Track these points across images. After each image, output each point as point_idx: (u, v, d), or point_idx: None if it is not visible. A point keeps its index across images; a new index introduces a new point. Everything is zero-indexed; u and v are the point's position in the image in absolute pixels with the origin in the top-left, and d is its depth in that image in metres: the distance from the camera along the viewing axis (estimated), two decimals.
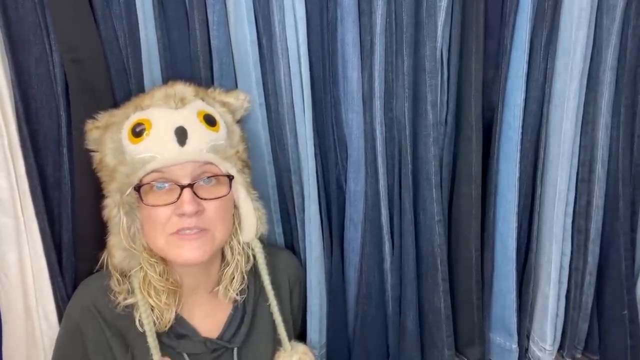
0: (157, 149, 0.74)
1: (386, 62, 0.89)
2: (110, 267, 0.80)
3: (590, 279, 1.00)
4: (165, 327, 0.81)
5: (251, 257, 0.87)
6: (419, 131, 0.92)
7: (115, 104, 0.85)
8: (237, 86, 0.91)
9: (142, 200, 0.75)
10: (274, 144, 0.94)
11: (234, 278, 0.85)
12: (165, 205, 0.74)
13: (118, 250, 0.77)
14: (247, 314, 0.87)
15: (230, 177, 0.79)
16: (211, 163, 0.77)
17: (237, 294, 0.85)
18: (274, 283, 0.88)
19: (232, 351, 0.86)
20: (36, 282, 0.86)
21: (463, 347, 1.03)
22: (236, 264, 0.84)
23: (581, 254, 0.99)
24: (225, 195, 0.79)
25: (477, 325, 1.00)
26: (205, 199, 0.76)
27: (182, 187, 0.74)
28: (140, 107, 0.78)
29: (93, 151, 0.81)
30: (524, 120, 0.91)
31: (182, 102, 0.77)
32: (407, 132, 0.90)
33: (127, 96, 0.85)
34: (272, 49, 0.88)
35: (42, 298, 0.87)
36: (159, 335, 0.81)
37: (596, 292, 1.01)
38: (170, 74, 0.87)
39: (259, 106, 0.91)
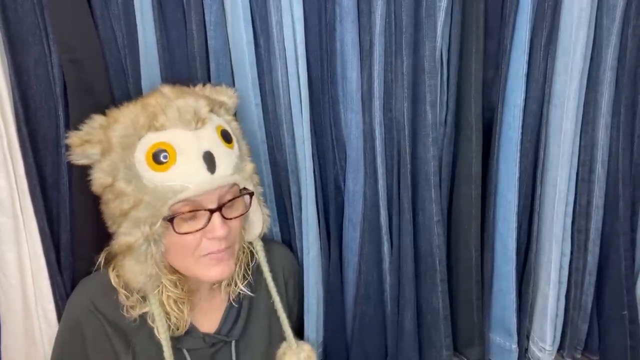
0: (187, 178, 0.72)
1: (385, 62, 0.89)
2: (115, 284, 0.79)
3: (590, 279, 1.00)
4: (182, 332, 0.82)
5: (254, 255, 0.88)
6: (418, 131, 0.92)
7: (114, 104, 0.84)
8: (233, 86, 0.91)
9: (174, 230, 0.73)
10: (270, 144, 0.94)
11: (238, 277, 0.86)
12: (197, 231, 0.74)
13: (141, 275, 0.75)
14: (243, 308, 0.88)
15: (251, 194, 0.80)
16: (235, 184, 0.78)
17: (233, 294, 0.87)
18: (273, 279, 0.89)
19: (230, 344, 0.87)
20: (35, 281, 0.86)
21: (463, 347, 1.03)
22: (240, 263, 0.86)
23: (581, 254, 0.99)
24: (247, 211, 0.80)
25: (476, 326, 1.00)
26: (231, 219, 0.76)
27: (212, 212, 0.74)
28: (154, 127, 0.73)
29: (88, 167, 0.77)
30: (524, 120, 0.91)
31: (199, 120, 0.74)
32: (406, 133, 0.90)
33: (126, 96, 0.85)
34: (270, 50, 0.88)
35: (41, 297, 0.87)
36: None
37: (596, 292, 1.01)
38: (169, 75, 0.87)
39: (255, 106, 0.91)
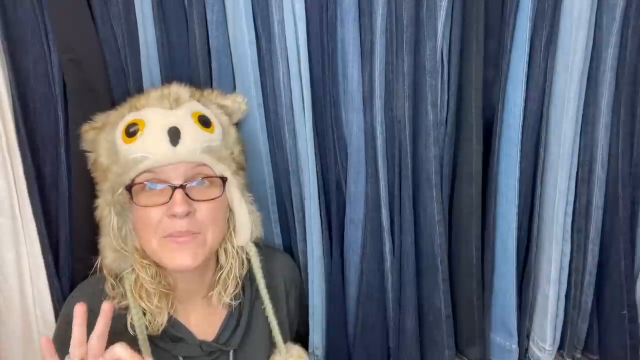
0: (149, 149, 0.73)
1: (386, 61, 0.88)
2: (104, 270, 0.79)
3: (590, 278, 1.00)
4: (158, 330, 0.80)
5: (245, 262, 0.85)
6: (419, 131, 0.92)
7: (113, 105, 0.84)
8: (235, 86, 0.91)
9: (132, 200, 0.74)
10: (272, 145, 0.94)
11: (228, 283, 0.83)
12: (157, 205, 0.74)
13: (109, 251, 0.77)
14: (243, 317, 0.87)
15: (223, 179, 0.78)
16: (205, 164, 0.77)
17: (231, 299, 0.84)
18: (269, 286, 0.87)
19: (228, 354, 0.85)
20: (34, 282, 0.86)
21: (463, 347, 1.03)
22: (230, 268, 0.83)
23: (581, 254, 0.99)
24: (217, 197, 0.78)
25: (477, 325, 1.00)
26: (197, 201, 0.75)
27: (174, 188, 0.73)
28: (135, 108, 0.78)
29: (88, 152, 0.81)
30: (524, 120, 0.91)
31: (176, 102, 0.77)
32: (408, 132, 0.90)
33: (125, 96, 0.85)
34: (271, 49, 0.88)
35: (39, 298, 0.87)
36: (154, 339, 0.80)
37: (596, 292, 1.01)
38: (169, 74, 0.87)
39: (257, 107, 0.91)
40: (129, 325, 0.79)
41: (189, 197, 0.74)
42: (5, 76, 0.80)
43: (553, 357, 1.03)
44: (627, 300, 0.99)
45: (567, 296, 1.01)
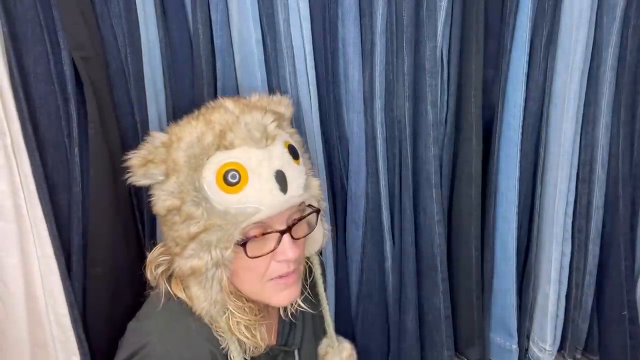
0: (260, 200, 0.67)
1: (386, 62, 0.89)
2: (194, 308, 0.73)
3: (590, 279, 1.00)
4: (258, 354, 0.77)
5: (312, 270, 0.84)
6: (419, 131, 0.92)
7: (114, 105, 0.84)
8: (237, 87, 0.91)
9: (247, 254, 0.69)
10: None
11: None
12: (267, 254, 0.71)
13: (204, 302, 0.70)
14: (297, 316, 0.85)
15: (317, 212, 0.76)
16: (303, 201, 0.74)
17: (293, 308, 0.82)
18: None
19: (293, 353, 0.84)
20: (45, 285, 0.83)
21: (463, 347, 1.03)
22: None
23: (581, 254, 0.99)
24: (314, 229, 0.76)
25: (477, 325, 1.00)
26: (299, 239, 0.73)
27: (282, 233, 0.70)
28: (223, 146, 0.68)
29: (151, 192, 0.72)
30: (524, 120, 0.92)
31: (268, 135, 0.69)
32: (408, 132, 0.90)
33: (126, 96, 0.85)
34: (277, 48, 0.88)
35: (53, 302, 0.83)
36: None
37: (596, 292, 1.01)
38: (172, 75, 0.87)
39: None
40: (230, 357, 0.74)
41: (292, 237, 0.72)
42: (9, 74, 0.78)
43: (553, 357, 1.03)
44: (627, 301, 0.99)
45: (567, 296, 1.01)
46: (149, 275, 0.76)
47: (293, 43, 0.86)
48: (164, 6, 0.85)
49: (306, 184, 0.72)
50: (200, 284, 0.69)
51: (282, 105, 0.78)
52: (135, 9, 0.82)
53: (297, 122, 0.90)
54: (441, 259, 0.95)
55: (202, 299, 0.70)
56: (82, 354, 0.86)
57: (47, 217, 0.81)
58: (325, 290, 0.89)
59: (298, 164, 0.72)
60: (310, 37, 0.85)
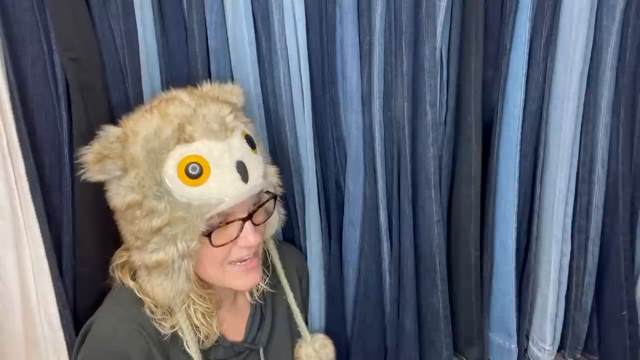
0: (223, 191, 0.69)
1: (385, 62, 0.89)
2: (143, 298, 0.75)
3: (589, 279, 1.00)
4: (211, 344, 0.79)
5: (266, 253, 0.87)
6: (418, 131, 0.92)
7: (110, 105, 0.84)
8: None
9: (212, 244, 0.72)
10: (272, 144, 0.94)
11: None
12: (231, 242, 0.73)
13: (171, 292, 0.72)
14: (266, 313, 0.88)
15: (275, 197, 0.79)
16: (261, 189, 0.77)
17: (258, 292, 0.86)
18: (286, 276, 0.89)
19: (259, 352, 0.86)
20: (38, 285, 0.84)
21: (462, 347, 1.03)
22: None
23: (581, 254, 0.99)
24: (272, 214, 0.79)
25: (476, 325, 1.00)
26: (258, 225, 0.75)
27: (244, 220, 0.73)
28: (183, 140, 0.69)
29: (104, 188, 0.73)
30: (523, 120, 0.91)
31: (226, 127, 0.71)
32: (406, 133, 0.90)
33: (124, 97, 0.85)
34: (271, 49, 0.88)
35: (44, 302, 0.85)
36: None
37: (596, 293, 1.01)
38: (169, 75, 0.87)
39: (258, 107, 0.91)
40: (185, 344, 0.76)
41: (254, 223, 0.74)
42: (5, 76, 0.79)
43: (553, 357, 1.03)
44: (627, 301, 0.99)
45: (567, 296, 1.01)
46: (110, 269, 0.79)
47: (287, 44, 0.86)
48: (161, 7, 0.85)
49: (265, 172, 0.75)
50: (167, 276, 0.71)
51: (234, 94, 0.80)
52: (133, 10, 0.82)
53: (291, 123, 0.90)
54: (440, 260, 0.95)
55: (168, 289, 0.72)
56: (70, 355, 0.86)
57: (40, 218, 0.82)
58: (305, 286, 0.96)
59: (256, 153, 0.75)
60: (305, 37, 0.85)
